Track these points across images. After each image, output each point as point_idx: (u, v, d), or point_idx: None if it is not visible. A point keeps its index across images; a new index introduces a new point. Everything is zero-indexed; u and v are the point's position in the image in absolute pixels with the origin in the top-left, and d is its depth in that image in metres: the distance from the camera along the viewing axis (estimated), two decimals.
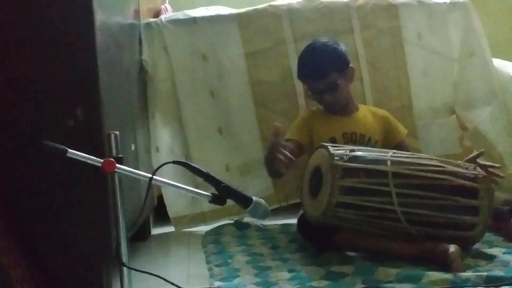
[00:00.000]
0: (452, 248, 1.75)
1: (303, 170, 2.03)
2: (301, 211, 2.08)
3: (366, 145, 2.22)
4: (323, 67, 2.22)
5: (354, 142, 2.22)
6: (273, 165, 1.96)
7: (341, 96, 2.26)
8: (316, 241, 2.01)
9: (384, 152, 1.96)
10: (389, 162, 1.87)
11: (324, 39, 2.32)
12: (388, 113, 2.39)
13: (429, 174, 1.84)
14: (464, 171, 1.90)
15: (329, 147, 1.91)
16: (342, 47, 2.30)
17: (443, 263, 1.73)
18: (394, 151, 1.99)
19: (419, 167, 1.86)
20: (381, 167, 1.86)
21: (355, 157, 1.90)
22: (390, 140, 2.30)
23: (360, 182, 1.84)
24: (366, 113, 2.34)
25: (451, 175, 1.85)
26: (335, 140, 2.21)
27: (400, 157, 1.92)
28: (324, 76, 2.22)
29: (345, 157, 1.88)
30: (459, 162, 2.00)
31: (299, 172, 2.09)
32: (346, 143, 2.19)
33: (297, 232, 2.19)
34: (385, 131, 2.32)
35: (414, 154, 2.06)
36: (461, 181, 1.85)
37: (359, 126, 2.27)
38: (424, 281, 1.62)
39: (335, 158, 1.86)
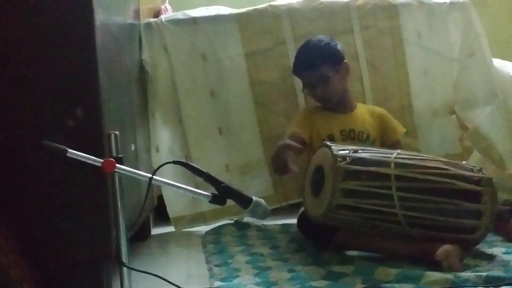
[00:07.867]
0: (447, 248, 1.75)
1: (304, 168, 2.02)
2: (302, 209, 2.08)
3: (365, 142, 2.23)
4: (314, 59, 2.25)
5: (353, 139, 2.23)
6: (280, 161, 2.02)
7: (334, 90, 2.27)
8: (317, 239, 2.01)
9: (389, 153, 1.92)
10: (392, 165, 1.85)
11: (320, 36, 2.34)
12: (385, 111, 2.40)
13: (432, 177, 1.81)
14: (468, 173, 1.86)
15: (332, 147, 1.89)
16: (338, 44, 2.33)
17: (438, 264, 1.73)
18: (399, 151, 1.96)
19: (422, 170, 1.83)
20: (383, 170, 1.84)
21: (358, 158, 1.88)
22: (386, 139, 2.31)
23: (362, 185, 1.82)
24: (364, 111, 2.35)
25: (455, 179, 1.82)
26: (333, 137, 2.22)
27: (405, 158, 1.89)
28: (314, 68, 2.25)
29: (348, 158, 1.86)
30: (465, 162, 1.98)
31: (299, 171, 2.09)
32: (344, 140, 2.21)
33: (297, 230, 2.19)
34: (382, 130, 2.33)
35: (419, 155, 2.03)
36: (465, 185, 1.82)
37: (357, 123, 2.28)
38: (424, 281, 1.62)
39: (338, 159, 1.85)
